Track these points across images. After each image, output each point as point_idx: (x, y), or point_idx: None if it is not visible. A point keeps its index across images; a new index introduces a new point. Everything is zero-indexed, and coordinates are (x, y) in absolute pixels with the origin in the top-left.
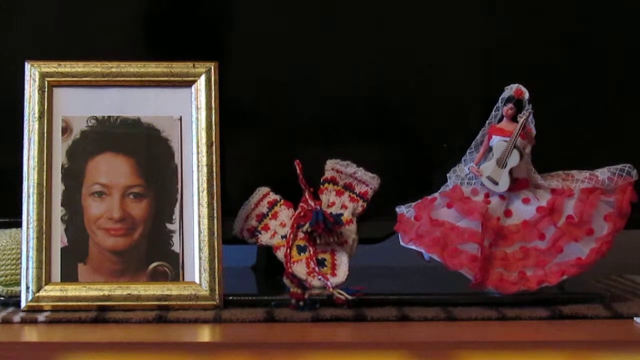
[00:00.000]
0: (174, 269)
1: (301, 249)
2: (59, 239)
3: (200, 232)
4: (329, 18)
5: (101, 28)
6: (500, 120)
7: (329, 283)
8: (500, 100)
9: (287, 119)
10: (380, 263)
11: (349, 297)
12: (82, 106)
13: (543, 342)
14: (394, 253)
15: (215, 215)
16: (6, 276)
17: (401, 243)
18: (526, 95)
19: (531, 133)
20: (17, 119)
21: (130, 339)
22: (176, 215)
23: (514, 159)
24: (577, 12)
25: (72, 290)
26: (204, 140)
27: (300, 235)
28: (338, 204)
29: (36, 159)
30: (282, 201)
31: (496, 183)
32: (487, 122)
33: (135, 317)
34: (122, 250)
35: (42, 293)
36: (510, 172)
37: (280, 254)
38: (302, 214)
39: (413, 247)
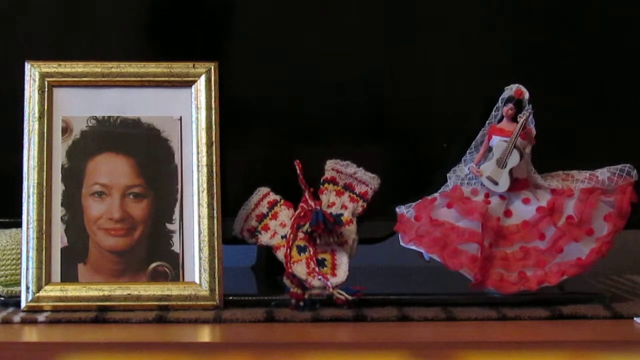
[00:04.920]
0: (174, 269)
1: (301, 249)
2: (59, 239)
3: (200, 232)
4: (329, 18)
5: (101, 28)
6: (500, 120)
7: (329, 283)
8: (500, 101)
9: (287, 119)
10: (380, 263)
11: (349, 297)
12: (82, 106)
13: (543, 342)
14: (394, 253)
15: (215, 215)
16: (6, 276)
17: (401, 243)
18: (526, 95)
19: (531, 133)
20: (17, 119)
21: (130, 339)
22: (176, 215)
23: (514, 159)
24: (577, 12)
25: (72, 290)
26: (204, 140)
27: (300, 235)
28: (338, 204)
29: (36, 159)
30: (282, 201)
31: (496, 183)
32: (487, 122)
33: (135, 317)
34: (122, 251)
35: (42, 293)
36: (510, 172)
37: (280, 254)
38: (302, 214)
39: (413, 247)
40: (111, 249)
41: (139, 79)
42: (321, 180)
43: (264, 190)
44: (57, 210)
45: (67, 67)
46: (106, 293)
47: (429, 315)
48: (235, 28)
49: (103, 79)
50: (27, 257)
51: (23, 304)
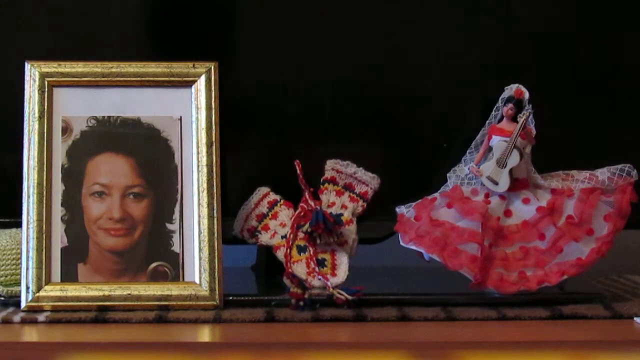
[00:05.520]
0: (174, 269)
1: (301, 249)
2: (59, 239)
3: (200, 232)
4: (329, 18)
5: (101, 28)
6: (500, 120)
7: (329, 283)
8: (500, 100)
9: (287, 119)
10: (380, 263)
11: (349, 297)
12: (82, 106)
13: (543, 342)
14: (394, 253)
15: (215, 215)
16: (6, 276)
17: (401, 243)
18: (526, 95)
19: (531, 133)
20: (17, 119)
21: (130, 339)
22: (176, 215)
23: (514, 159)
24: (577, 12)
25: (72, 290)
26: (204, 140)
27: (300, 235)
28: (338, 204)
29: (36, 159)
30: (282, 201)
31: (496, 183)
32: (487, 122)
33: (135, 317)
34: (122, 250)
35: (42, 293)
36: (510, 172)
37: (280, 254)
38: (302, 214)
39: (413, 247)
40: (111, 249)
41: (139, 79)
42: (321, 180)
43: (264, 190)
44: (57, 210)
45: (67, 67)
46: (106, 293)
47: (429, 315)
48: (235, 28)
49: (103, 79)
50: (27, 257)
51: (23, 304)
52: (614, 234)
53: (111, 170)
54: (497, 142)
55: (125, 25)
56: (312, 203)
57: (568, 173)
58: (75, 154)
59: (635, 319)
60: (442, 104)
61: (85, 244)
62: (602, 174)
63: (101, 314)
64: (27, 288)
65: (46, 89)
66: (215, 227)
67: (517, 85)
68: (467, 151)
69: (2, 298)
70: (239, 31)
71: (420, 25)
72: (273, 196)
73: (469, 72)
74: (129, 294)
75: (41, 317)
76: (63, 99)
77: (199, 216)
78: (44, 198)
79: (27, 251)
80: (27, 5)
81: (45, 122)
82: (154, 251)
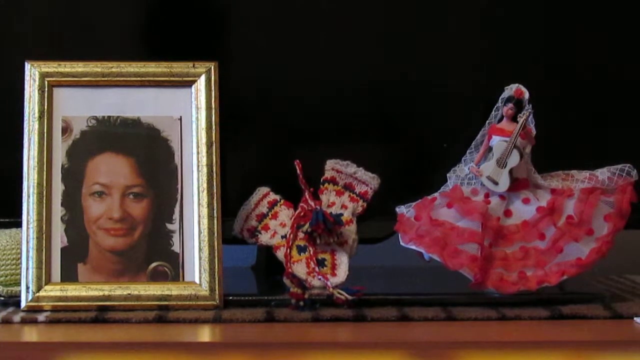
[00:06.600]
0: (174, 269)
1: (301, 249)
2: (59, 239)
3: (200, 232)
4: (328, 18)
5: (101, 28)
6: (500, 120)
7: (329, 283)
8: (500, 100)
9: (287, 119)
10: (380, 263)
11: (349, 297)
12: (82, 106)
13: (543, 342)
14: (394, 253)
15: (215, 215)
16: (6, 276)
17: (401, 243)
18: (526, 95)
19: (531, 133)
20: (17, 119)
21: (130, 339)
22: (176, 215)
23: (514, 159)
24: (577, 12)
25: (72, 290)
26: (204, 140)
27: (300, 235)
28: (338, 204)
29: (36, 159)
30: (282, 201)
31: (496, 183)
32: (487, 122)
33: (135, 317)
34: (122, 250)
35: (42, 293)
36: (510, 172)
37: (280, 254)
38: (302, 214)
39: (413, 247)
40: (111, 249)
41: (139, 79)
42: (321, 180)
43: (264, 190)
44: (57, 210)
45: (67, 67)
46: (106, 293)
47: (429, 315)
48: (235, 28)
49: (103, 79)
50: (27, 257)
51: (23, 304)
52: (614, 234)
53: (111, 170)
54: (497, 142)
55: (125, 25)
56: (312, 203)
57: (568, 173)
58: (75, 154)
59: (635, 319)
60: (442, 104)
61: (85, 244)
62: (602, 174)
63: (101, 314)
64: (27, 288)
65: (46, 89)
66: (215, 227)
67: (517, 85)
68: (467, 151)
69: (2, 298)
70: (239, 31)
71: (421, 24)
72: (273, 196)
73: (469, 72)
74: (129, 294)
75: (41, 317)
76: (63, 99)
77: (199, 216)
78: (44, 198)
79: (27, 251)
80: (27, 5)
81: (45, 122)
82: (154, 251)
